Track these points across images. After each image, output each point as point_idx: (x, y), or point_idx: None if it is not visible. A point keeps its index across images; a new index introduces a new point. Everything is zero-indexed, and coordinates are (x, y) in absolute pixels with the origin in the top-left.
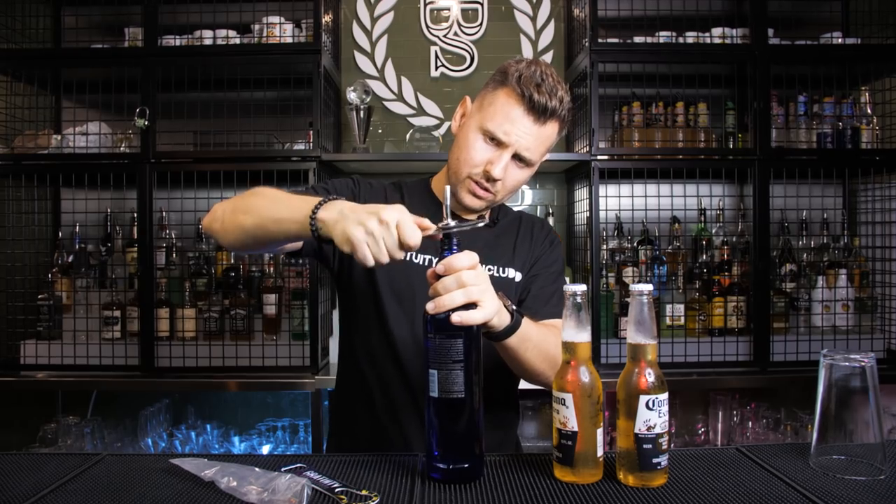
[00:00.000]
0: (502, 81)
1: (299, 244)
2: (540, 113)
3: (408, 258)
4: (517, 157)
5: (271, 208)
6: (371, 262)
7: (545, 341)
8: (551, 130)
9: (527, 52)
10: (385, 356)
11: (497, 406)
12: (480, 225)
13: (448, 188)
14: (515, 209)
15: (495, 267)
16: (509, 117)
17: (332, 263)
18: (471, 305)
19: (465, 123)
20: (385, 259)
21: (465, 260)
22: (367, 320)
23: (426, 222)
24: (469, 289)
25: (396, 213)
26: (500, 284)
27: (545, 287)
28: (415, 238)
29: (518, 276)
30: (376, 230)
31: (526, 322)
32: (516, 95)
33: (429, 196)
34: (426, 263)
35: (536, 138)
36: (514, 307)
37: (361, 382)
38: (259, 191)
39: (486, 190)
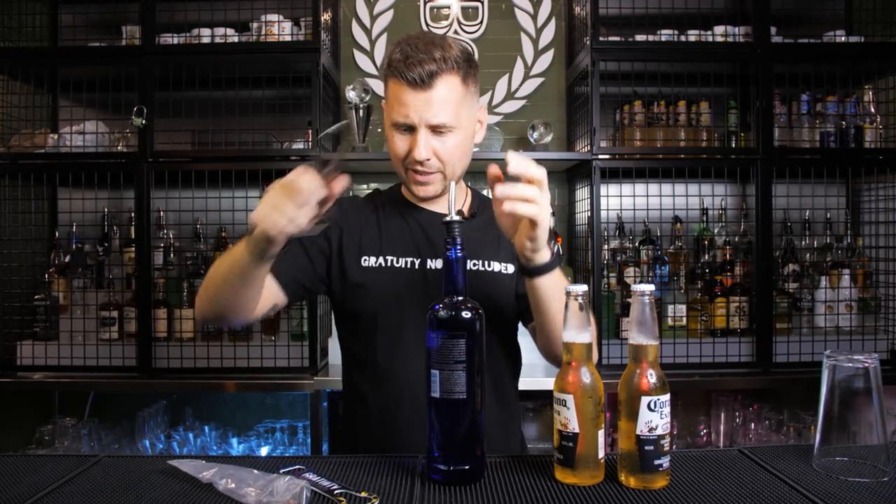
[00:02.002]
0: (385, 76)
1: (283, 297)
2: (420, 82)
3: (388, 263)
4: (435, 130)
5: (222, 263)
6: (282, 226)
7: None
8: (448, 87)
9: (527, 50)
10: (375, 358)
11: (501, 403)
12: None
13: (452, 184)
14: None
15: (479, 262)
16: (401, 101)
17: (326, 282)
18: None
19: (385, 128)
20: (299, 221)
21: (535, 171)
22: (355, 324)
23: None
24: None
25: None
26: (485, 279)
27: None
28: (300, 181)
29: (508, 269)
30: (270, 200)
31: (559, 273)
32: (395, 80)
33: (402, 202)
34: (409, 266)
35: (436, 103)
36: (556, 249)
37: (358, 384)
38: (216, 261)
39: (427, 172)
